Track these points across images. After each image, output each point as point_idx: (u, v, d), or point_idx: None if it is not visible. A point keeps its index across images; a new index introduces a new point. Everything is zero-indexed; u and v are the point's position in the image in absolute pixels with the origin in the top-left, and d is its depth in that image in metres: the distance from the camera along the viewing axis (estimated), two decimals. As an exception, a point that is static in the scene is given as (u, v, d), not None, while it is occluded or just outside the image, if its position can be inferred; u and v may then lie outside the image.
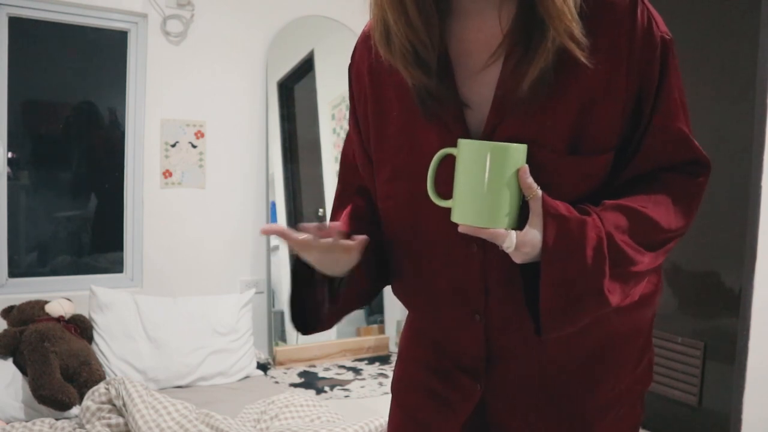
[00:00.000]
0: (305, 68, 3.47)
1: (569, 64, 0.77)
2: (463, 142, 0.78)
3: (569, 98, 0.79)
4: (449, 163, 0.80)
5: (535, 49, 0.77)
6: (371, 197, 0.98)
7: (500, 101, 0.81)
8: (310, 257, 0.86)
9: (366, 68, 0.92)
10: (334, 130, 3.50)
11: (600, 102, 0.79)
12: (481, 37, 0.83)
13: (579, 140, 0.80)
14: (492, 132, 0.82)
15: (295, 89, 3.48)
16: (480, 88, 0.84)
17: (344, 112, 3.47)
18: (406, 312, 1.04)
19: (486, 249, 0.84)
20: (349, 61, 0.98)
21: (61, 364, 2.33)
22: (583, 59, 0.76)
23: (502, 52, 0.80)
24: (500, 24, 0.81)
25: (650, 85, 0.80)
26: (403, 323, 1.09)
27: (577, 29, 0.76)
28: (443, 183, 0.80)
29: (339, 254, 0.84)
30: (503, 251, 0.78)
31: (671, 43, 0.81)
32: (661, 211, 0.82)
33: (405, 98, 0.86)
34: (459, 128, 0.84)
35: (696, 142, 0.86)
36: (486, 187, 0.76)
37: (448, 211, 0.80)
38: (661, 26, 0.81)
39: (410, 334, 1.06)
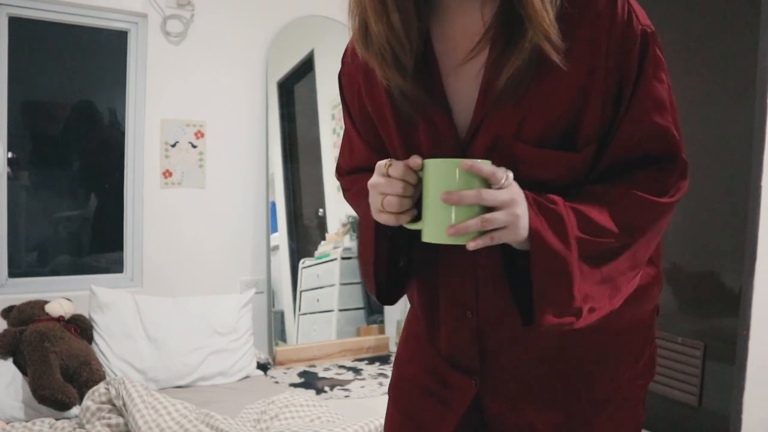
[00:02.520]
0: (305, 68, 3.47)
1: (551, 59, 0.78)
2: (428, 162, 0.78)
3: (551, 92, 0.80)
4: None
5: (514, 45, 0.78)
6: None
7: (485, 93, 0.82)
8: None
9: (359, 71, 0.94)
10: (334, 130, 3.50)
11: (581, 96, 0.80)
12: (465, 34, 0.85)
13: (560, 133, 0.81)
14: (478, 125, 0.83)
15: (295, 89, 3.48)
16: (464, 82, 0.85)
17: (344, 112, 3.47)
18: (407, 312, 1.05)
19: None
20: None
21: (61, 364, 2.33)
22: (557, 61, 0.77)
23: (485, 45, 0.81)
24: (483, 20, 0.82)
25: (628, 77, 0.80)
26: (403, 323, 1.11)
27: (553, 32, 0.76)
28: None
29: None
30: (491, 248, 0.77)
31: (653, 36, 0.81)
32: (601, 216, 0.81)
33: (394, 98, 0.87)
34: (445, 124, 0.85)
35: (677, 139, 0.84)
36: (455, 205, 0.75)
37: None
38: (642, 19, 0.81)
39: (406, 336, 1.07)
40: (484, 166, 0.75)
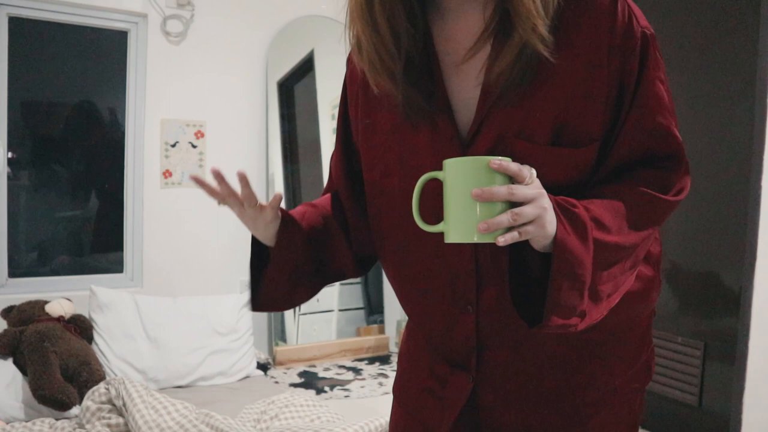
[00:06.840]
0: (305, 68, 3.47)
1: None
2: (452, 162, 0.77)
3: (552, 91, 0.80)
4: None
5: (505, 42, 0.79)
6: (339, 197, 1.06)
7: (486, 91, 0.83)
8: (234, 210, 0.98)
9: (359, 77, 0.95)
10: (334, 130, 3.49)
11: (582, 95, 0.80)
12: (467, 34, 0.86)
13: (562, 132, 0.81)
14: (480, 124, 0.83)
15: (295, 89, 3.48)
16: (465, 82, 0.86)
17: (344, 112, 3.47)
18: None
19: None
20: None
21: (61, 364, 2.33)
22: (545, 54, 0.78)
23: (484, 43, 0.83)
24: (484, 20, 0.84)
25: (630, 78, 0.81)
26: (403, 323, 1.12)
27: (540, 25, 0.77)
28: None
29: (253, 211, 0.97)
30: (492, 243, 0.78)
31: (652, 38, 0.82)
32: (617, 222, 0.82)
33: (392, 99, 0.88)
34: (446, 125, 0.85)
35: (678, 138, 0.86)
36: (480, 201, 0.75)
37: (438, 205, 0.79)
38: (642, 21, 0.82)
39: (408, 335, 1.09)
40: (511, 163, 0.74)
